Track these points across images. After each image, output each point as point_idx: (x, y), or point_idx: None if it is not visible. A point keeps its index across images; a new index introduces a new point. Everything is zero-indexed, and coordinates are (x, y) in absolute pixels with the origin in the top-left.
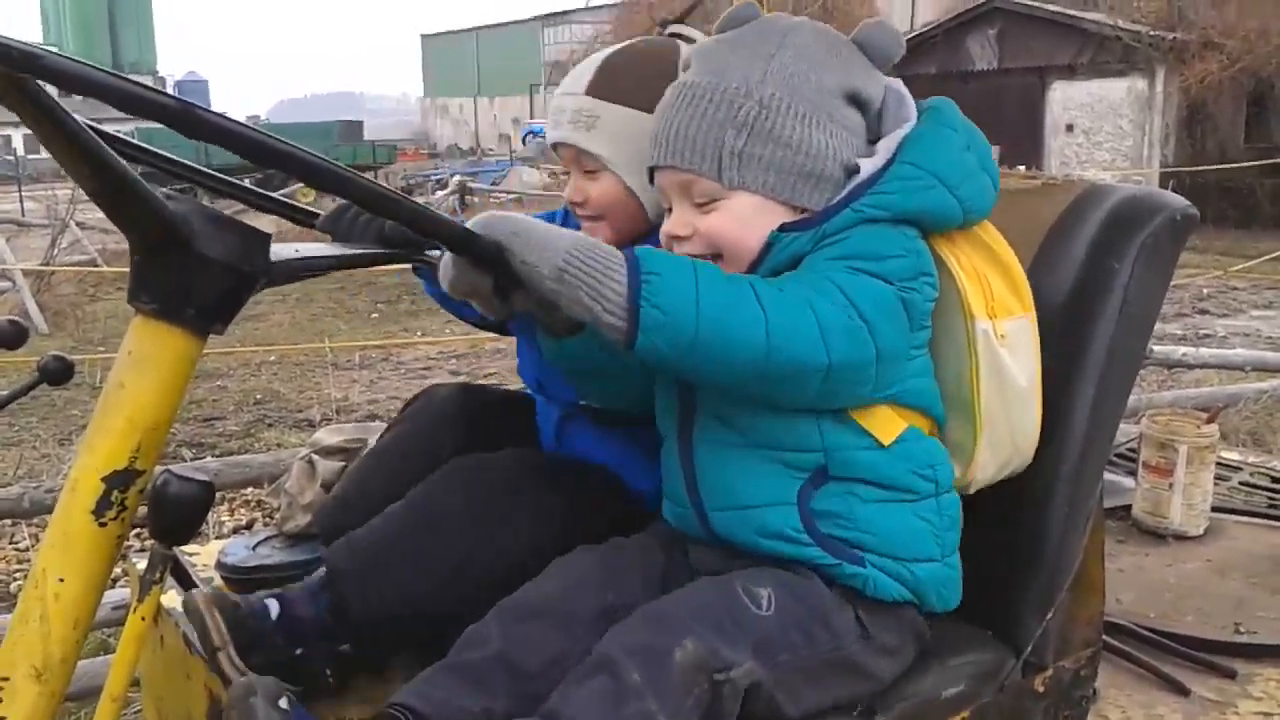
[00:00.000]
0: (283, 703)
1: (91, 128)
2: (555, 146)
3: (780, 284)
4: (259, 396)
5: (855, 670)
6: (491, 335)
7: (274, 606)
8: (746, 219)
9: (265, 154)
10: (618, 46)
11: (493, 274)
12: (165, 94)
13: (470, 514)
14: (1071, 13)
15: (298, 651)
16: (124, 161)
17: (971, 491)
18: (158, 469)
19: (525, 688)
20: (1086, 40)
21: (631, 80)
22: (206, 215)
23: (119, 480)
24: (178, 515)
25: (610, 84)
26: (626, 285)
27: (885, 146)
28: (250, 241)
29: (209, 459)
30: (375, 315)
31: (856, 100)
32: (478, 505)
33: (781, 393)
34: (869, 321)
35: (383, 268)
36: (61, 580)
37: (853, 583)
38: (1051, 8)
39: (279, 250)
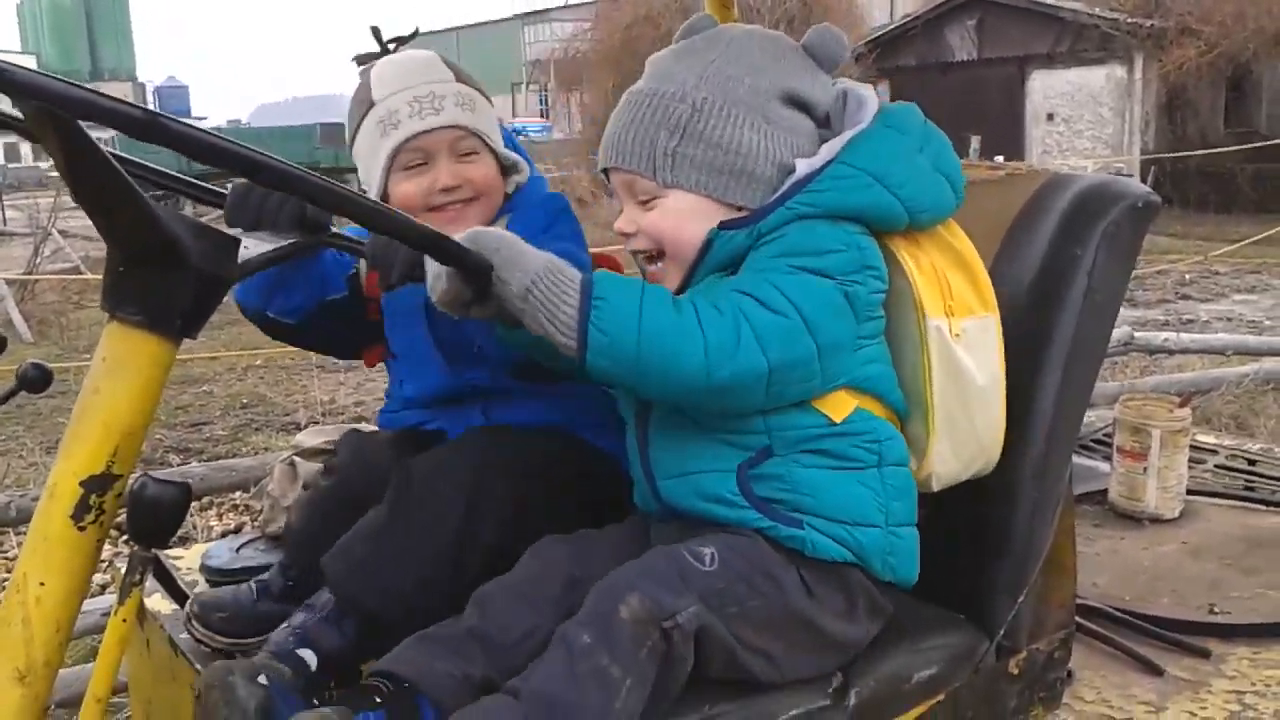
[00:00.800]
0: (261, 679)
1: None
2: (416, 137)
3: (719, 300)
4: (245, 400)
5: (808, 627)
6: None
7: (310, 657)
8: (682, 216)
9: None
10: (417, 53)
11: (475, 286)
12: (132, 104)
13: (451, 493)
14: (1050, 1)
15: (331, 685)
16: (127, 175)
17: (935, 489)
18: (135, 473)
19: (499, 660)
20: (1065, 29)
21: (466, 72)
22: (189, 225)
23: (96, 485)
24: (156, 518)
25: (463, 76)
26: (577, 308)
27: (829, 148)
28: (223, 247)
29: (195, 464)
30: None
31: (796, 102)
32: (453, 487)
33: (731, 403)
34: (808, 319)
35: None
36: (42, 584)
37: (792, 544)
38: None
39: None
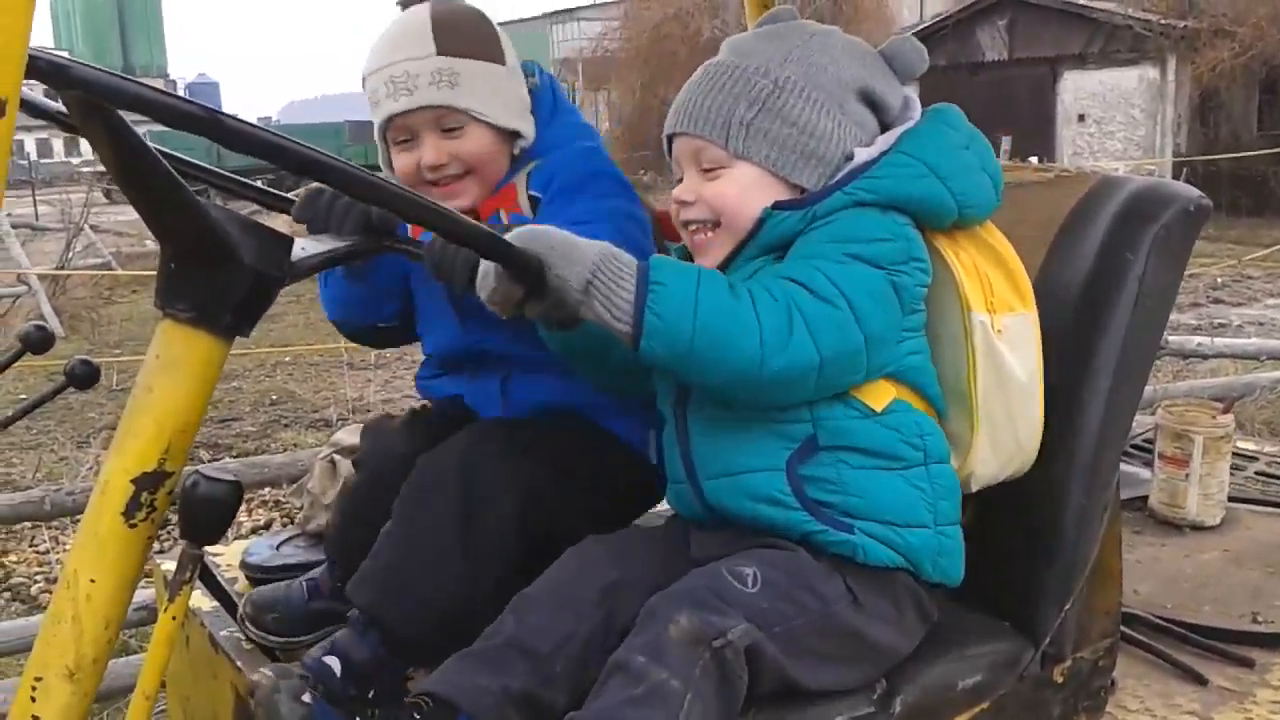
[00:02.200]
0: (306, 697)
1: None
2: (396, 117)
3: (773, 287)
4: (275, 397)
5: (855, 637)
6: None
7: (335, 664)
8: (746, 189)
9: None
10: (430, 9)
11: (526, 284)
12: (192, 102)
13: (465, 508)
14: (1082, 2)
15: (370, 694)
16: (176, 174)
17: (974, 489)
18: (185, 470)
19: (539, 667)
20: (1097, 30)
21: (472, 34)
22: (240, 222)
23: (148, 482)
24: (207, 515)
25: (457, 41)
26: (634, 293)
27: (884, 139)
28: (276, 245)
29: (227, 460)
30: None
31: (870, 100)
32: (467, 500)
33: (781, 394)
34: (856, 309)
35: None
36: (93, 581)
37: (841, 550)
38: None
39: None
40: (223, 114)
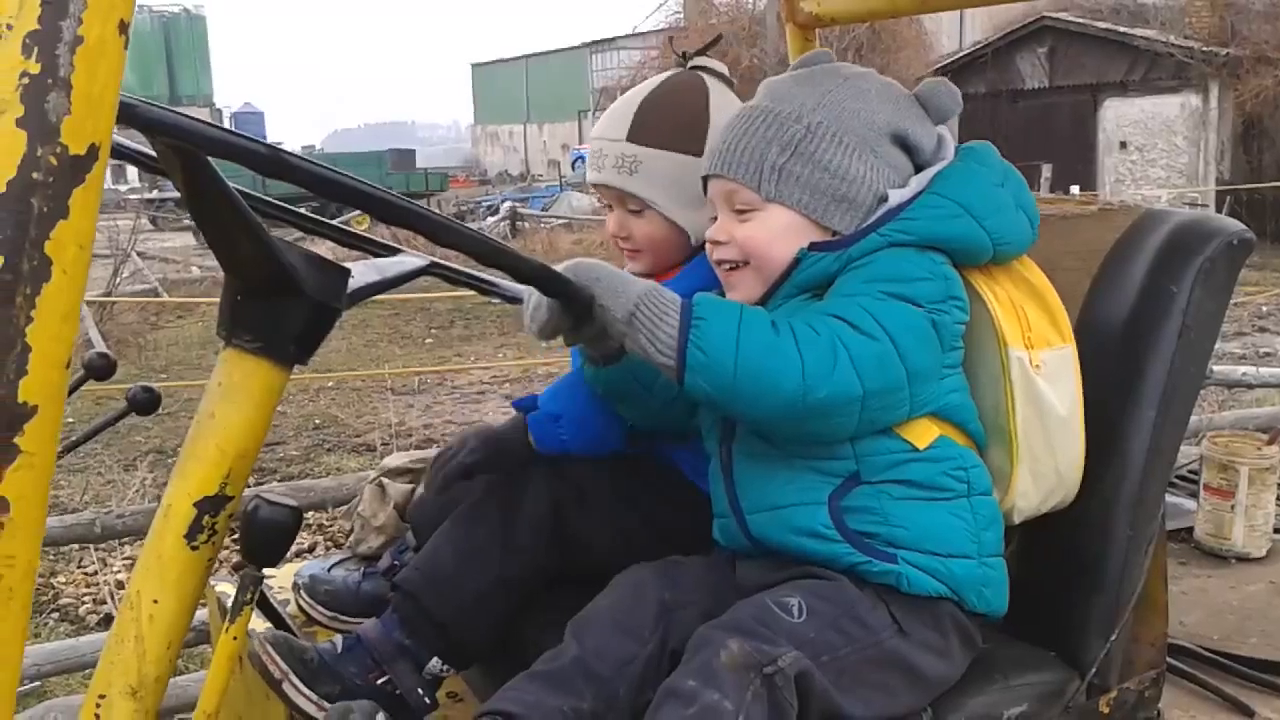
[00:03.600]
0: (380, 718)
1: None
2: (596, 186)
3: (815, 322)
4: (318, 422)
5: (901, 666)
6: (542, 359)
7: (340, 641)
8: (777, 232)
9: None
10: (652, 88)
11: (573, 315)
12: (257, 140)
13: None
14: (1122, 29)
15: (383, 680)
16: (252, 211)
17: (1016, 521)
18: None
19: (603, 689)
20: (1138, 57)
21: (668, 125)
22: (304, 256)
23: (210, 505)
24: (267, 539)
25: (648, 130)
26: (678, 328)
27: (918, 180)
28: (335, 276)
29: (273, 483)
30: (429, 340)
31: (903, 142)
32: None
33: (823, 428)
34: (898, 345)
35: (434, 294)
36: (155, 601)
37: (885, 580)
38: (1101, 25)
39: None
40: (311, 161)
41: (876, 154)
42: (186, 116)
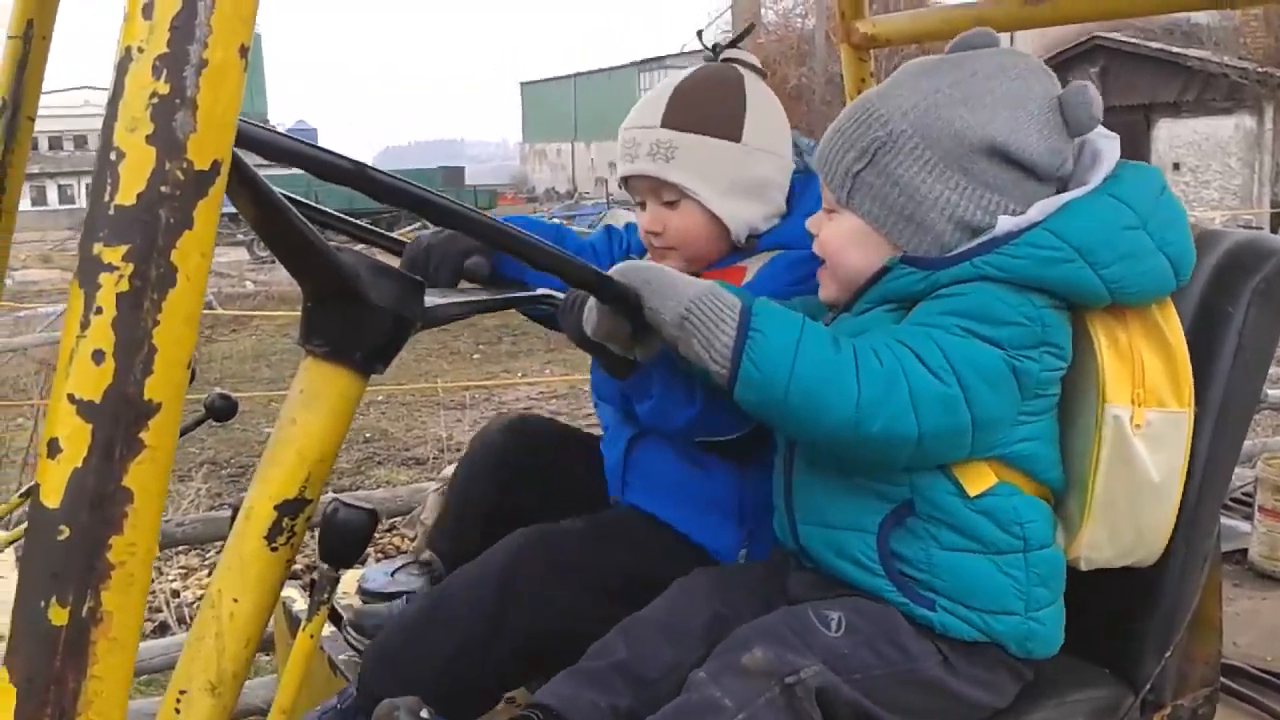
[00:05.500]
0: (424, 713)
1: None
2: (628, 179)
3: (881, 350)
4: (368, 435)
5: (940, 690)
6: (588, 376)
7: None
8: (847, 238)
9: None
10: (684, 77)
11: (630, 319)
12: (340, 155)
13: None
14: (1175, 50)
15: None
16: (306, 221)
17: (1084, 569)
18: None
19: (646, 692)
20: (1192, 78)
21: (705, 109)
22: (372, 266)
23: (289, 508)
24: (345, 540)
25: (685, 114)
26: (734, 337)
27: (1040, 208)
28: (408, 289)
29: (328, 495)
30: (477, 356)
31: (1007, 158)
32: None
33: (875, 458)
34: (967, 388)
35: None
36: (236, 600)
37: (924, 622)
38: (1155, 45)
39: (428, 296)
40: (370, 168)
41: (967, 173)
42: (298, 140)
